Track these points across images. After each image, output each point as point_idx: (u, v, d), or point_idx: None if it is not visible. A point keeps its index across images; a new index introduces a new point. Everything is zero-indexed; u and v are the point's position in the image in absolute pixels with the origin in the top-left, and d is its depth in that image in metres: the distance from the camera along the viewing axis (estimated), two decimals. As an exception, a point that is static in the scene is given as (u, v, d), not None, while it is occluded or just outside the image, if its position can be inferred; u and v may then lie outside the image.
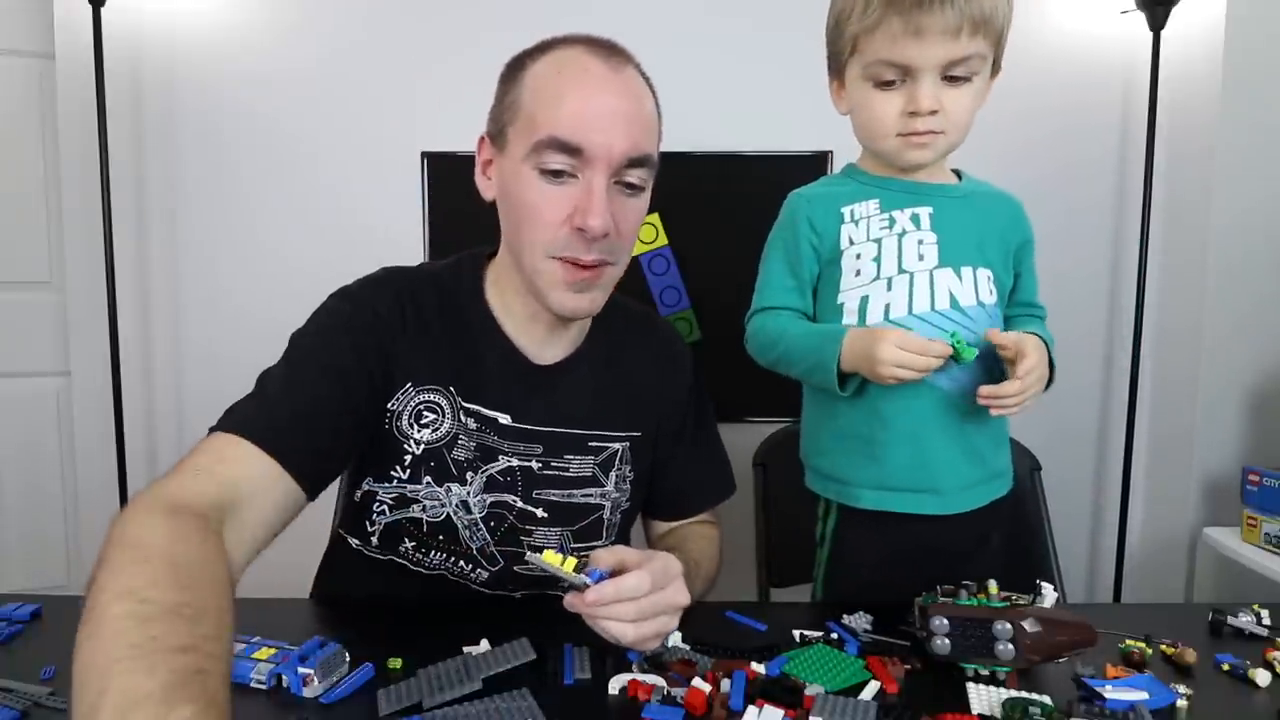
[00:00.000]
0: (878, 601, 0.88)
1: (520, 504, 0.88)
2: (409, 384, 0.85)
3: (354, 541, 0.92)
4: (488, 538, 0.88)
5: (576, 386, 0.91)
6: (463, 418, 0.86)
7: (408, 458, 0.85)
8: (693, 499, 1.03)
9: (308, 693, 0.68)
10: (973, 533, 0.97)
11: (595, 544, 0.91)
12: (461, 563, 0.89)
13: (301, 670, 0.68)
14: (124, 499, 1.80)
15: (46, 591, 1.09)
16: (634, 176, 0.81)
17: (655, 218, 1.87)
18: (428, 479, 0.86)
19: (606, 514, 0.92)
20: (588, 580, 0.67)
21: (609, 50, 0.81)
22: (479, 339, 0.88)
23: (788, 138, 1.88)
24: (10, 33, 1.93)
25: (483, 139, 0.87)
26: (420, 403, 0.85)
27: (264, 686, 0.68)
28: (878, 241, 0.91)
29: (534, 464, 0.88)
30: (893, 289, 0.90)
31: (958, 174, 1.00)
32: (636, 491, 0.96)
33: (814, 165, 1.88)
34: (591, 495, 0.91)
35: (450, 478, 0.86)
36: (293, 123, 1.91)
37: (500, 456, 0.87)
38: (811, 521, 1.08)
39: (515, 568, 0.90)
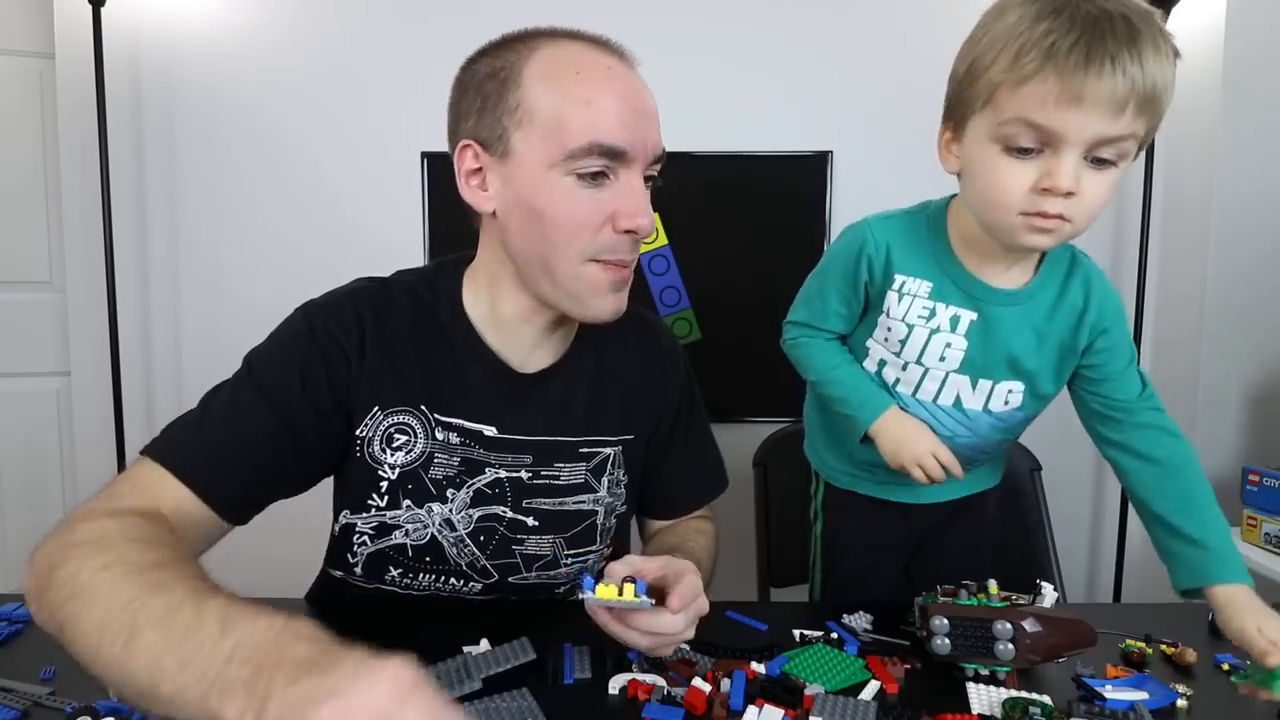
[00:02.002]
0: (872, 599, 0.88)
1: (510, 514, 0.86)
2: (375, 408, 0.82)
3: (337, 573, 0.90)
4: (476, 553, 0.86)
5: (565, 393, 0.89)
6: (439, 435, 0.83)
7: (384, 484, 0.83)
8: (686, 498, 1.02)
9: (308, 693, 0.67)
10: (953, 509, 1.02)
11: (590, 549, 0.90)
12: (452, 580, 0.87)
13: (301, 670, 0.68)
14: (124, 499, 1.79)
15: (46, 591, 1.09)
16: (654, 171, 0.80)
17: (655, 218, 1.85)
18: (407, 502, 0.83)
19: (600, 519, 0.91)
20: (646, 603, 0.66)
21: (615, 47, 0.79)
22: (460, 352, 0.85)
23: (788, 138, 1.88)
24: (10, 33, 1.93)
25: (466, 147, 0.79)
26: (390, 425, 0.82)
27: (264, 686, 0.68)
28: (911, 327, 0.88)
29: (523, 474, 0.86)
30: (907, 370, 0.90)
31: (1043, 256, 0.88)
32: (631, 494, 0.94)
33: (814, 165, 1.88)
34: (584, 501, 0.89)
35: (430, 498, 0.83)
36: (293, 123, 1.91)
37: (487, 469, 0.85)
38: (806, 502, 1.10)
39: (510, 579, 0.88)
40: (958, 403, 0.89)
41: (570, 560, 0.89)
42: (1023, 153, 0.73)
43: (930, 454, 0.86)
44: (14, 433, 2.01)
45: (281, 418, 0.77)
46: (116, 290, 1.82)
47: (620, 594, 0.65)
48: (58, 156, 1.91)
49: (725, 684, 0.69)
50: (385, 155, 1.90)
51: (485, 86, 0.77)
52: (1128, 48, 0.67)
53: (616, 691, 0.69)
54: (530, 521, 0.87)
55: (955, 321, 0.86)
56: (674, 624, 0.68)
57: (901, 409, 0.91)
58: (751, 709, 0.65)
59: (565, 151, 0.74)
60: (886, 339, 0.90)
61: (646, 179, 0.80)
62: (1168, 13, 1.69)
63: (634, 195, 0.76)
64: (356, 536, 0.85)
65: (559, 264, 0.78)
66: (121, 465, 1.80)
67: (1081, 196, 0.72)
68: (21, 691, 0.67)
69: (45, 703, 0.66)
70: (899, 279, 0.88)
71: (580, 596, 0.66)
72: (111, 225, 1.80)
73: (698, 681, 0.68)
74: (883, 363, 0.91)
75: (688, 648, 0.76)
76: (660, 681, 0.69)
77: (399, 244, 1.91)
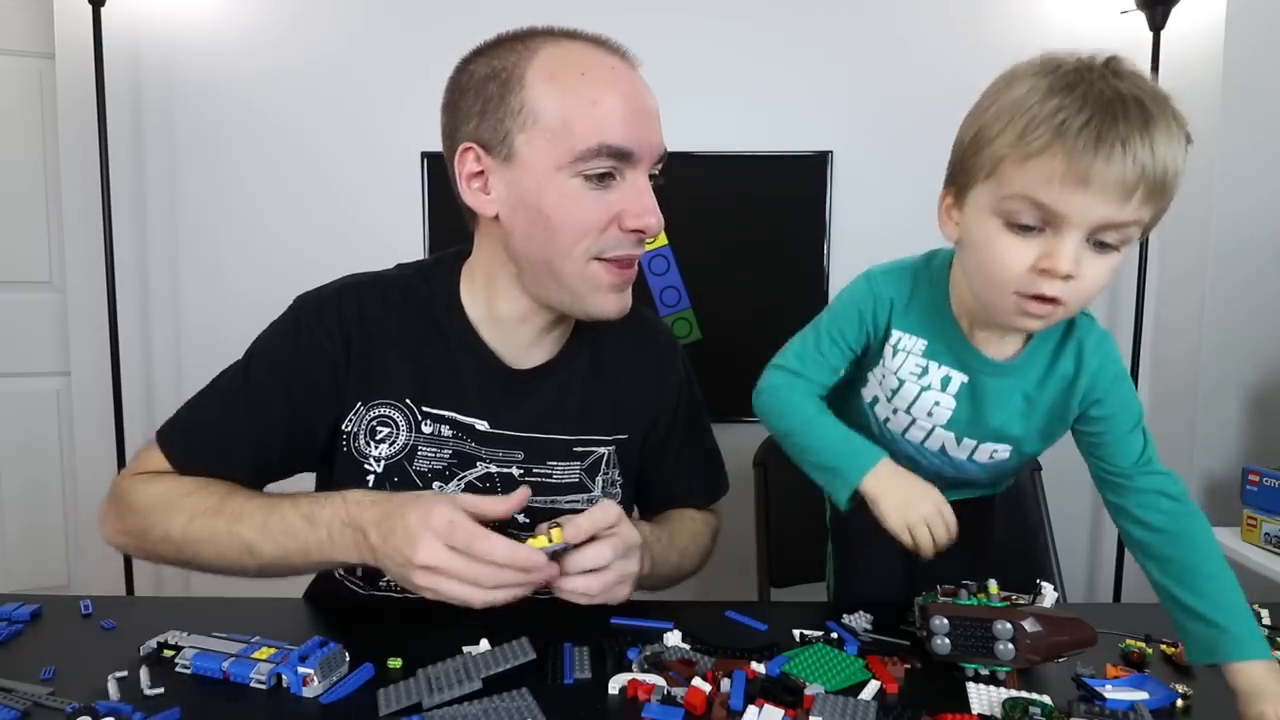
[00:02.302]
0: (884, 587, 0.89)
1: None
2: (359, 403, 0.84)
3: (337, 571, 0.90)
4: None
5: (558, 391, 0.89)
6: (426, 428, 0.84)
7: (370, 478, 0.84)
8: (687, 497, 1.01)
9: (308, 692, 0.68)
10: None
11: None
12: None
13: (301, 670, 0.68)
14: (124, 499, 1.79)
15: (47, 591, 1.09)
16: (656, 170, 0.81)
17: (655, 218, 1.86)
18: None
19: None
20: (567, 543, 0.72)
21: (615, 46, 0.80)
22: (454, 346, 0.86)
23: (788, 138, 1.88)
24: (10, 33, 1.93)
25: (467, 150, 0.79)
26: (373, 419, 0.84)
27: (264, 686, 0.68)
28: (902, 381, 0.86)
29: (514, 470, 0.86)
30: (895, 414, 0.89)
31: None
32: (626, 493, 0.94)
33: (814, 165, 1.88)
34: (577, 501, 0.89)
35: (415, 490, 0.84)
36: (293, 123, 1.91)
37: (478, 463, 0.85)
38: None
39: None
40: (943, 450, 0.89)
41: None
42: (1023, 230, 0.69)
43: (938, 513, 0.81)
44: (14, 433, 2.02)
45: (264, 421, 0.84)
46: (116, 290, 1.82)
47: (550, 540, 0.70)
48: (58, 156, 1.91)
49: (725, 684, 0.69)
50: (385, 155, 1.91)
51: (486, 88, 0.77)
52: (1140, 132, 0.64)
53: (616, 691, 0.69)
54: (521, 518, 0.86)
55: (946, 381, 0.85)
56: (597, 554, 0.72)
57: (889, 452, 0.87)
58: (751, 709, 0.65)
59: (573, 154, 0.74)
60: (881, 384, 0.89)
61: (650, 178, 0.80)
62: (1167, 12, 1.69)
63: (641, 195, 0.78)
64: None
65: (565, 265, 0.79)
66: (121, 465, 1.80)
67: (1080, 280, 0.69)
68: (21, 691, 0.67)
69: (45, 703, 0.66)
70: (896, 334, 0.86)
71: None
72: (111, 225, 1.80)
73: (698, 681, 0.68)
74: (875, 399, 0.91)
75: (687, 648, 0.76)
76: (660, 681, 0.69)
77: (399, 244, 1.91)
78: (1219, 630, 0.71)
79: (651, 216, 0.78)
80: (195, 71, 1.90)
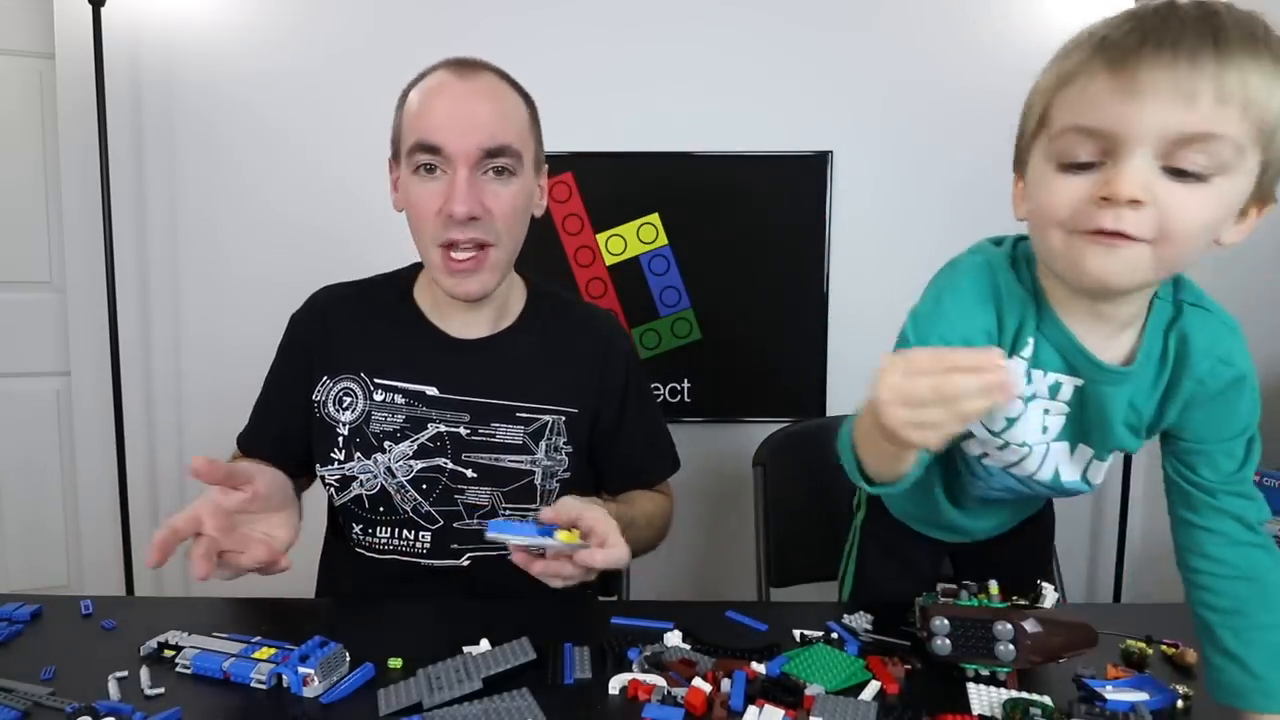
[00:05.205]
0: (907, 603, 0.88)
1: (451, 465, 0.99)
2: (325, 378, 1.01)
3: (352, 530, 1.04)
4: (419, 499, 0.99)
5: (502, 361, 1.01)
6: (378, 396, 0.99)
7: (340, 439, 0.99)
8: (643, 474, 1.11)
9: (308, 692, 0.68)
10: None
11: (529, 506, 1.00)
12: (405, 532, 1.00)
13: (302, 670, 0.68)
14: (124, 499, 1.80)
15: (46, 591, 1.10)
16: (498, 164, 0.93)
17: (655, 218, 1.86)
18: (358, 454, 0.99)
19: (538, 480, 1.00)
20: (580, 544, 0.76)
21: (466, 65, 0.95)
22: (407, 329, 1.02)
23: (788, 138, 1.88)
24: (10, 33, 1.93)
25: (390, 161, 1.00)
26: (339, 390, 1.00)
27: (264, 686, 0.68)
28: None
29: (462, 430, 0.99)
30: (1001, 449, 0.77)
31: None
32: (577, 464, 1.02)
33: (814, 165, 1.88)
34: (521, 461, 1.00)
35: (373, 449, 0.99)
36: (293, 123, 1.91)
37: (429, 425, 0.99)
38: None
39: (455, 524, 0.99)
40: (1056, 475, 0.77)
41: (507, 512, 0.99)
42: (1080, 168, 0.59)
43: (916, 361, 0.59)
44: (14, 433, 2.01)
45: (287, 404, 1.03)
46: (116, 290, 1.82)
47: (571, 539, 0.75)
48: (58, 156, 1.91)
49: (725, 684, 0.69)
50: (386, 155, 1.90)
51: (395, 114, 0.99)
52: (1195, 29, 0.55)
53: (616, 691, 0.69)
54: (469, 473, 0.99)
55: (1055, 389, 0.72)
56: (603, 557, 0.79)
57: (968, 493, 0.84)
58: (752, 709, 0.65)
59: (405, 148, 0.94)
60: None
61: (493, 171, 0.92)
62: (1168, 13, 1.69)
63: (456, 186, 0.91)
64: (325, 488, 1.03)
65: (424, 251, 0.96)
66: (121, 465, 1.81)
67: (1162, 210, 0.56)
68: (22, 691, 0.67)
69: (45, 703, 0.66)
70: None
71: (539, 545, 0.75)
72: (111, 225, 1.80)
73: (698, 681, 0.68)
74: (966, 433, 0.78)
75: (687, 648, 0.76)
76: (660, 681, 0.69)
77: (402, 244, 1.90)
78: (1254, 679, 0.68)
79: (457, 204, 0.90)
80: (195, 72, 1.89)
